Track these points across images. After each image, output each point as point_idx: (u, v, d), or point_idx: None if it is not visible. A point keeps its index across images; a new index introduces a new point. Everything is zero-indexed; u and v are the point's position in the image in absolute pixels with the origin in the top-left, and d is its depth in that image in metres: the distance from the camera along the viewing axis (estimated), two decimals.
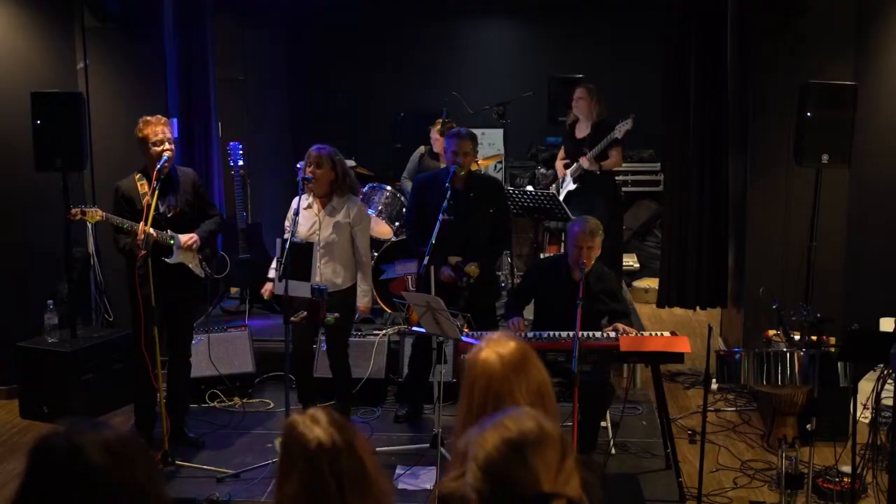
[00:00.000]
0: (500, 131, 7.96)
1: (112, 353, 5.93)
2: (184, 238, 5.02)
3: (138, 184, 4.97)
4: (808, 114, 5.08)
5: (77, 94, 6.02)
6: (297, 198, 5.15)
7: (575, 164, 6.71)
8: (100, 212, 4.88)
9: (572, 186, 6.74)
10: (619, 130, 6.45)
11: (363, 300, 5.28)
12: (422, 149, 7.34)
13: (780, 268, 5.68)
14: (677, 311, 7.44)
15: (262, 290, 5.36)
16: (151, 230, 4.82)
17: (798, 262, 5.29)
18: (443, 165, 6.83)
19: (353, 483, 1.78)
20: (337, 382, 5.45)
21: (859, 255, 5.77)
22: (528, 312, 5.46)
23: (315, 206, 5.19)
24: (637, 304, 7.75)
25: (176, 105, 6.80)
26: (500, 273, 7.35)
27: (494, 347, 2.17)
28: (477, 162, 6.16)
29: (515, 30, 10.00)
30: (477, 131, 5.63)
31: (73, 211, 4.91)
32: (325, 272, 5.14)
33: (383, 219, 6.93)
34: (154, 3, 6.50)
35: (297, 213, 5.08)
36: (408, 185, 7.25)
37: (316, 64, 9.76)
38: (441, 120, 7.13)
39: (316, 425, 1.82)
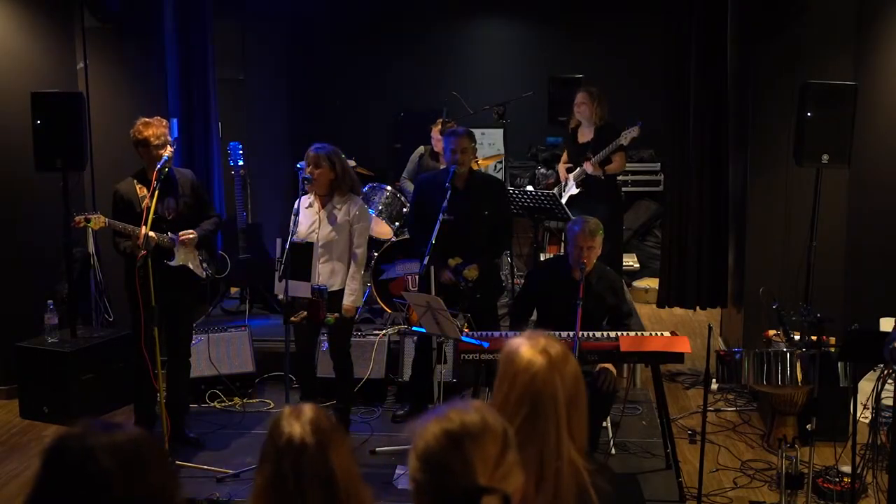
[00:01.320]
0: (500, 131, 7.95)
1: (112, 353, 5.92)
2: (182, 234, 5.02)
3: (136, 187, 4.97)
4: (808, 114, 5.08)
5: (77, 94, 6.03)
6: (298, 198, 5.16)
7: (578, 169, 6.69)
8: (103, 218, 4.88)
9: (575, 191, 6.72)
10: (625, 138, 6.41)
11: (348, 299, 5.14)
12: (421, 149, 7.34)
13: (780, 268, 5.68)
14: (677, 311, 7.44)
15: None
16: (153, 233, 4.83)
17: (798, 262, 5.29)
18: (443, 166, 6.84)
19: (316, 486, 1.76)
20: (338, 381, 5.45)
21: (859, 255, 5.77)
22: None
23: (316, 206, 5.20)
24: (637, 304, 7.75)
25: (176, 105, 6.81)
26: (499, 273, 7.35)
27: (542, 345, 2.10)
28: (477, 161, 6.17)
29: (515, 30, 10.00)
30: (477, 131, 5.63)
31: (77, 219, 4.90)
32: (323, 272, 5.13)
33: (383, 219, 6.93)
34: (154, 3, 6.51)
35: (296, 214, 5.09)
36: (408, 185, 7.25)
37: (316, 64, 9.76)
38: (441, 120, 7.13)
39: (296, 421, 1.80)
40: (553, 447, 1.96)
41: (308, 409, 1.84)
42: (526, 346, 2.10)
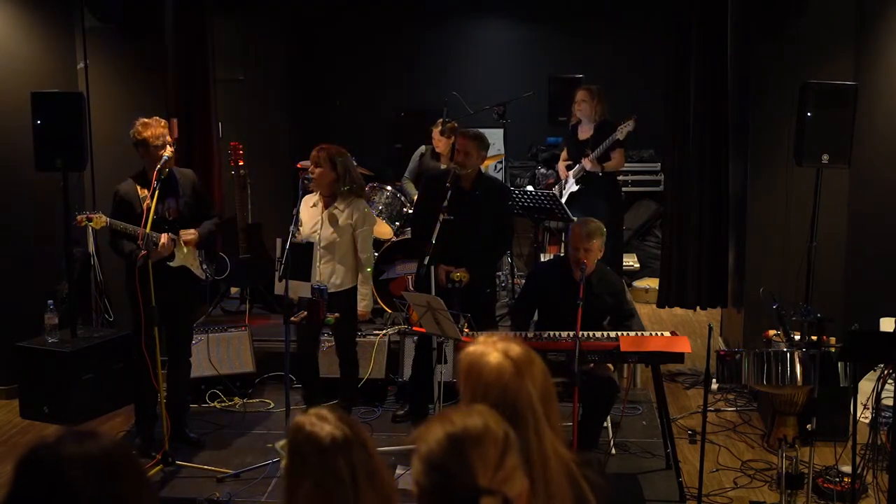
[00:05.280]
0: (500, 131, 7.95)
1: (112, 353, 5.92)
2: (183, 233, 5.02)
3: (137, 188, 4.96)
4: (808, 114, 5.07)
5: (77, 94, 6.02)
6: (300, 197, 5.16)
7: (577, 166, 6.70)
8: (104, 218, 4.88)
9: (574, 188, 6.73)
10: (621, 132, 6.44)
11: (361, 304, 5.25)
12: (423, 148, 7.34)
13: (780, 268, 5.68)
14: (677, 311, 7.44)
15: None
16: (164, 237, 4.84)
17: (798, 262, 5.29)
18: (444, 166, 6.84)
19: (366, 476, 1.78)
20: (344, 380, 5.45)
21: (859, 255, 5.77)
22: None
23: (320, 206, 5.20)
24: (637, 304, 7.73)
25: (176, 105, 6.80)
26: (500, 273, 7.35)
27: (502, 350, 2.04)
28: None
29: (515, 30, 9.99)
30: None
31: (79, 217, 4.89)
32: (324, 272, 5.14)
33: (383, 219, 6.93)
34: (154, 3, 6.50)
35: (297, 213, 5.09)
36: (408, 184, 7.26)
37: (316, 64, 9.75)
38: (441, 120, 7.13)
39: (325, 423, 1.81)
40: (536, 447, 1.95)
41: (328, 412, 1.85)
42: (489, 356, 2.03)
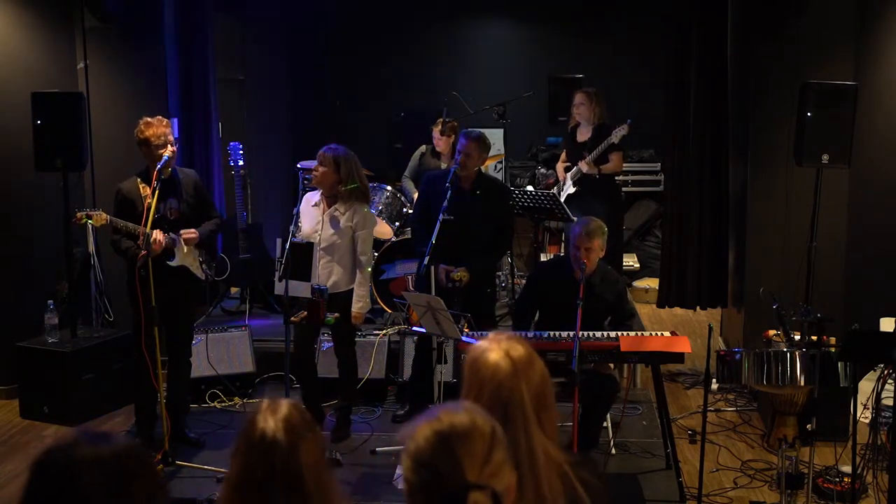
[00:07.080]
0: (501, 131, 7.96)
1: (112, 353, 5.92)
2: (183, 232, 5.02)
3: (140, 186, 4.97)
4: (808, 114, 5.07)
5: (77, 94, 6.02)
6: (300, 196, 5.16)
7: (574, 168, 6.71)
8: (104, 215, 4.86)
9: (572, 190, 6.74)
10: (616, 136, 6.44)
11: (356, 305, 5.22)
12: (423, 148, 7.34)
13: (780, 268, 5.68)
14: (677, 311, 7.44)
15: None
16: (160, 235, 4.83)
17: (798, 262, 5.29)
18: (443, 165, 6.84)
19: (282, 484, 1.78)
20: (343, 380, 5.45)
21: (859, 255, 5.77)
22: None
23: (322, 206, 5.20)
24: (637, 304, 7.73)
25: (176, 105, 6.80)
26: (500, 273, 7.35)
27: (504, 349, 2.07)
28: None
29: (515, 30, 10.00)
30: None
31: (79, 215, 4.87)
32: (322, 274, 5.13)
33: (383, 219, 6.93)
34: (154, 2, 6.51)
35: (297, 213, 5.08)
36: (408, 183, 7.26)
37: (316, 64, 9.76)
38: (442, 119, 7.14)
39: (271, 417, 1.83)
40: (524, 448, 1.97)
41: (284, 405, 1.87)
42: (490, 353, 2.08)
